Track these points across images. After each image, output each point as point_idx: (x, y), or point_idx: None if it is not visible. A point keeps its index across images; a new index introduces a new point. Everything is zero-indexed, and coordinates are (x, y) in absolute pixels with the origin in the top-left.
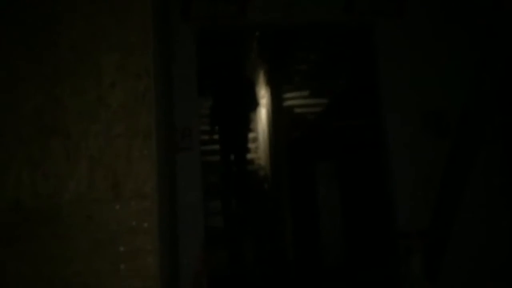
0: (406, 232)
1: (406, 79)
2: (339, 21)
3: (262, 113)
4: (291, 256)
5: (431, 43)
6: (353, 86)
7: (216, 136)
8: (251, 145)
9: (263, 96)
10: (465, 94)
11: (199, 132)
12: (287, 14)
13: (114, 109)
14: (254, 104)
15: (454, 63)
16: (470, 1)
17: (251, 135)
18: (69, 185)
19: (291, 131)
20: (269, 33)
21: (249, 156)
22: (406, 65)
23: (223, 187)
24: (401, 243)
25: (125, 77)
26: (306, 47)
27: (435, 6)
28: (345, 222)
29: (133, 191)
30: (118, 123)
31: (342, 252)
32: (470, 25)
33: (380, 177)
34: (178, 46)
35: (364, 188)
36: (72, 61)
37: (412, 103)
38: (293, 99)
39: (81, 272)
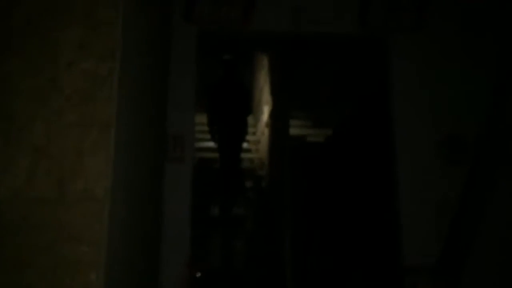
0: (412, 267)
1: (419, 100)
2: (351, 34)
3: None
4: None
5: (448, 61)
6: (363, 106)
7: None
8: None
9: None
10: (485, 116)
11: (193, 142)
12: (296, 24)
13: (68, 93)
14: (247, 110)
15: (472, 84)
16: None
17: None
18: (5, 178)
19: (295, 153)
20: (276, 43)
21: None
22: (420, 84)
23: (221, 191)
24: (407, 279)
25: (85, 58)
26: (314, 61)
27: (455, 21)
28: (348, 254)
29: (80, 191)
30: (72, 109)
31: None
32: (493, 43)
33: (388, 207)
34: (178, 48)
35: (370, 217)
36: (27, 35)
37: (425, 126)
38: (299, 119)
39: (11, 285)
